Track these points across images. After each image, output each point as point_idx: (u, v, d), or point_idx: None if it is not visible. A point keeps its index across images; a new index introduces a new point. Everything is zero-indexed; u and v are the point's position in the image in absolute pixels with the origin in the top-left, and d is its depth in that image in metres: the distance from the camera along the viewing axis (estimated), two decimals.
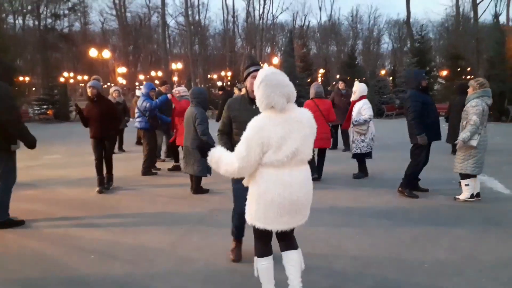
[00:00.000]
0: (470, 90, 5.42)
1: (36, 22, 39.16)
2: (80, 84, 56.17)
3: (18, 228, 4.66)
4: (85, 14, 47.56)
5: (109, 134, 6.28)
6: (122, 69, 44.89)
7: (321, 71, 43.83)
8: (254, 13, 51.63)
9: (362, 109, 6.74)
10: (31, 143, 4.63)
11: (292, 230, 2.76)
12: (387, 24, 62.87)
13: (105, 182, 6.38)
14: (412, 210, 5.20)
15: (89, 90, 6.19)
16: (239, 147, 2.56)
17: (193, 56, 37.94)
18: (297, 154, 2.51)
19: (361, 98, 6.86)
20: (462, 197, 5.49)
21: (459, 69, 25.76)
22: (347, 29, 62.22)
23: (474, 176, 5.43)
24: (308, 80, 25.73)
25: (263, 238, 2.78)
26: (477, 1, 32.51)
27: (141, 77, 53.63)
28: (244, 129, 2.64)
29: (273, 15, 54.74)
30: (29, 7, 39.41)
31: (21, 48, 32.29)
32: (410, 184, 5.85)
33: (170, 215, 5.11)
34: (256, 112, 2.78)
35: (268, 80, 2.51)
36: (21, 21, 41.42)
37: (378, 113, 21.55)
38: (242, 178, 2.83)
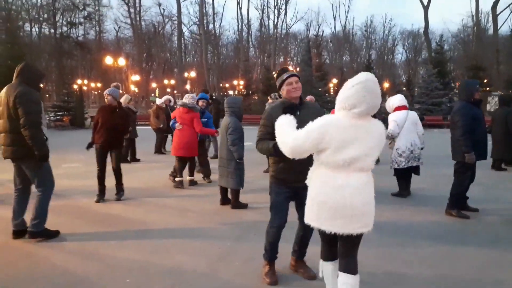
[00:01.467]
0: None
1: (52, 30, 39.50)
2: (93, 92, 56.63)
3: (50, 242, 4.40)
4: (99, 23, 47.93)
5: (118, 144, 6.09)
6: (135, 77, 45.07)
7: (334, 81, 43.57)
8: (269, 22, 51.69)
9: (390, 123, 6.26)
10: (43, 154, 4.21)
11: (354, 248, 2.68)
12: (400, 35, 62.63)
13: (116, 193, 6.19)
14: (466, 231, 4.78)
15: (106, 98, 6.02)
16: (301, 130, 2.59)
17: (207, 64, 37.83)
18: (356, 161, 2.50)
19: (395, 109, 6.34)
20: None
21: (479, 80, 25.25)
22: (360, 39, 62.11)
23: None
24: (325, 89, 25.49)
25: (326, 240, 2.83)
26: (497, 12, 31.99)
27: (154, 85, 53.85)
28: None
29: (287, 25, 54.47)
30: (45, 15, 39.82)
31: (36, 56, 32.40)
32: (458, 204, 5.40)
33: (203, 232, 4.76)
34: (300, 117, 2.95)
35: (367, 84, 2.50)
36: (37, 29, 41.83)
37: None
38: (284, 191, 3.33)
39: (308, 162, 3.13)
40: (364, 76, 2.53)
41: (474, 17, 35.66)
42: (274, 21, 51.12)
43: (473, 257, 3.98)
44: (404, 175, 6.42)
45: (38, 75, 4.44)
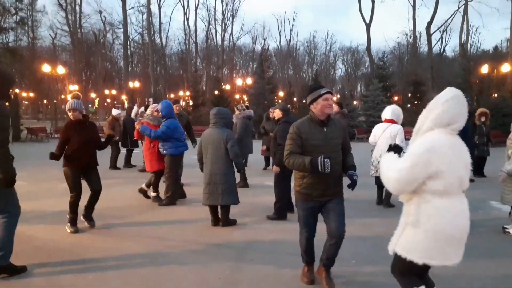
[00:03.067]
0: None
1: None
2: (25, 102, 52.50)
3: (15, 280, 3.64)
4: (33, 28, 44.74)
5: (96, 163, 5.22)
6: (73, 87, 42.39)
7: (281, 93, 44.23)
8: (216, 34, 51.50)
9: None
10: (10, 178, 3.47)
11: None
12: (340, 50, 65.35)
13: (89, 220, 5.32)
14: None
15: (71, 114, 5.03)
16: (403, 159, 2.47)
17: (154, 74, 36.61)
18: (462, 182, 2.46)
19: (385, 121, 6.47)
20: None
21: (418, 95, 26.83)
22: (303, 54, 63.86)
23: None
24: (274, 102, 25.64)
25: (420, 272, 2.62)
26: (431, 32, 34.41)
27: (93, 95, 51.18)
28: (316, 152, 3.15)
29: (233, 37, 54.56)
30: None
31: None
32: None
33: (194, 259, 4.20)
34: (328, 134, 3.24)
35: (460, 98, 2.45)
36: None
37: (349, 136, 21.60)
38: (309, 206, 3.39)
39: (336, 177, 3.31)
40: (454, 90, 2.50)
41: (411, 35, 38.16)
42: (221, 33, 50.95)
43: (474, 272, 3.87)
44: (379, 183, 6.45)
45: (6, 79, 3.58)
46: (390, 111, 6.42)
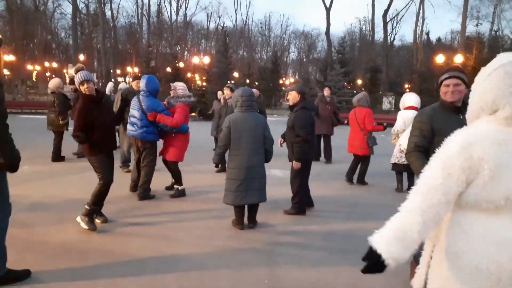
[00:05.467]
0: None
1: None
2: None
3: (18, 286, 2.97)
4: None
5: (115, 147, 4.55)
6: (9, 57, 38.47)
7: (235, 74, 43.38)
8: (171, 9, 49.16)
9: (398, 120, 6.39)
10: (12, 160, 2.84)
11: None
12: (294, 34, 65.35)
13: (101, 215, 4.59)
14: None
15: (85, 87, 4.12)
16: (428, 172, 1.62)
17: (104, 48, 34.12)
18: None
19: (406, 109, 6.35)
20: None
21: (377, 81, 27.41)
22: (256, 35, 63.09)
23: None
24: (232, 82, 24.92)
25: None
26: (387, 20, 35.19)
27: (30, 67, 47.01)
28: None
29: (185, 13, 52.38)
30: None
31: None
32: None
33: (211, 262, 3.61)
34: (466, 123, 2.09)
35: (510, 68, 1.57)
36: None
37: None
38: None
39: None
40: (506, 57, 1.65)
41: (363, 22, 38.86)
42: (175, 8, 48.70)
43: None
44: (402, 170, 6.54)
45: None
46: (414, 98, 6.37)
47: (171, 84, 6.22)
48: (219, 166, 7.43)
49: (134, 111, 5.57)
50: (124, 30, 53.17)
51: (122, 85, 10.18)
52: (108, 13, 44.88)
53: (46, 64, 46.39)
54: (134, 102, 5.61)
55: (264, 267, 3.60)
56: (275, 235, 4.43)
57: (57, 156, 8.28)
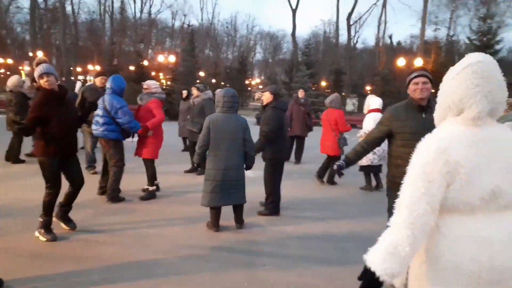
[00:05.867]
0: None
1: None
2: None
3: None
4: None
5: (77, 149, 4.20)
6: None
7: (201, 73, 42.91)
8: (135, 6, 47.99)
9: (367, 122, 6.58)
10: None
11: None
12: (259, 34, 65.50)
13: (68, 221, 4.30)
14: None
15: (44, 80, 3.80)
16: (408, 182, 1.62)
17: (65, 44, 32.75)
18: (496, 195, 1.58)
19: (370, 111, 6.59)
20: None
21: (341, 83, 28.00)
22: (222, 35, 62.73)
23: None
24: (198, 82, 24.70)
25: None
26: (351, 23, 36.02)
27: None
28: (414, 139, 1.86)
29: (150, 11, 51.32)
30: None
31: None
32: None
33: (208, 264, 3.55)
34: (426, 121, 2.68)
35: (479, 67, 1.60)
36: None
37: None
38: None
39: None
40: (474, 57, 1.66)
41: (328, 25, 39.59)
42: (139, 5, 47.58)
43: None
44: (371, 171, 6.83)
45: None
46: (378, 101, 6.59)
47: (143, 83, 6.11)
48: (199, 167, 7.31)
49: (98, 110, 5.40)
50: (85, 27, 51.36)
51: (79, 84, 9.86)
52: (68, 8, 43.27)
53: (0, 60, 44.05)
54: (99, 100, 5.45)
55: (242, 269, 3.58)
56: (251, 237, 4.42)
57: (17, 158, 7.88)
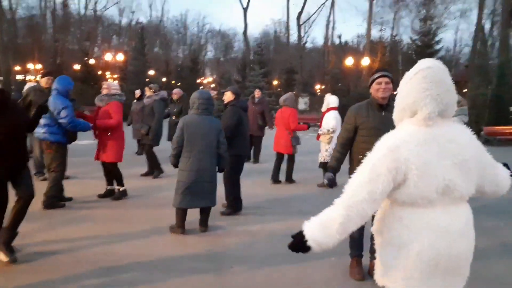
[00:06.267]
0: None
1: None
2: None
3: None
4: None
5: (27, 159, 3.78)
6: None
7: (151, 72, 41.90)
8: (78, 2, 45.76)
9: (329, 120, 6.76)
10: None
11: None
12: (210, 33, 65.02)
13: (12, 249, 3.61)
14: None
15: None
16: (359, 170, 1.83)
17: (3, 43, 30.58)
18: (451, 189, 1.75)
19: (329, 109, 6.81)
20: None
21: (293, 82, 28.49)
22: (170, 32, 61.52)
23: None
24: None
25: None
26: (300, 23, 36.72)
27: None
28: (373, 135, 2.43)
29: (95, 7, 49.26)
30: None
31: None
32: None
33: (174, 273, 3.48)
34: (385, 119, 2.98)
35: (429, 73, 1.77)
36: None
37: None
38: None
39: None
40: (424, 63, 1.82)
41: (278, 24, 40.08)
42: (83, 1, 45.52)
43: None
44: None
45: None
46: (336, 99, 6.88)
47: (103, 83, 5.97)
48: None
49: None
50: (23, 23, 48.22)
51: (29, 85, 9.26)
52: (5, 3, 40.49)
53: None
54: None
55: (211, 272, 3.56)
56: (217, 239, 4.40)
57: None
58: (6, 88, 4.91)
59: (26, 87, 9.11)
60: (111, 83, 5.87)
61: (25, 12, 46.23)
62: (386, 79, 3.24)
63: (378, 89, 3.24)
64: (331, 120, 6.70)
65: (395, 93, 3.20)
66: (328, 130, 6.73)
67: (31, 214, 4.70)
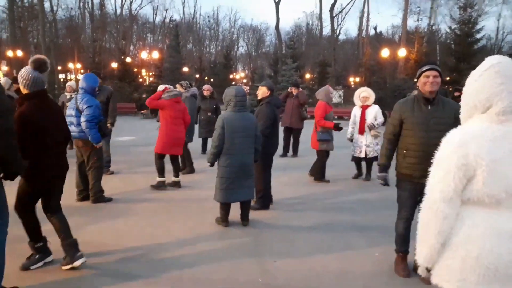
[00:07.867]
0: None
1: None
2: None
3: None
4: None
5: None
6: None
7: (185, 69, 42.51)
8: (115, 2, 47.11)
9: (378, 114, 6.75)
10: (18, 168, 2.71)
11: None
12: (242, 28, 65.24)
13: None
14: None
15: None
16: (430, 174, 1.84)
17: (45, 43, 31.98)
18: None
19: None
20: None
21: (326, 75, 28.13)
22: (203, 29, 62.18)
23: None
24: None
25: None
26: (333, 15, 36.12)
27: None
28: (418, 130, 3.14)
29: (130, 7, 50.51)
30: None
31: None
32: None
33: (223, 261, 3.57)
34: (431, 113, 3.14)
35: (501, 67, 1.75)
36: None
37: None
38: (408, 188, 3.28)
39: None
40: (495, 59, 1.81)
41: (311, 16, 39.62)
42: (119, 1, 46.79)
43: None
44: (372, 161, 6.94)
45: None
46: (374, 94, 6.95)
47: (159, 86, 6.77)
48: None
49: (70, 110, 5.21)
50: (63, 24, 50.16)
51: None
52: (46, 5, 42.24)
53: None
54: (72, 101, 5.31)
55: (255, 265, 3.62)
56: (258, 233, 4.45)
57: None
58: (50, 88, 4.99)
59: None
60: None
61: (64, 13, 48.12)
62: (434, 73, 3.14)
63: (425, 82, 3.15)
64: (379, 115, 6.71)
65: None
66: (378, 125, 6.71)
67: (81, 208, 4.97)
